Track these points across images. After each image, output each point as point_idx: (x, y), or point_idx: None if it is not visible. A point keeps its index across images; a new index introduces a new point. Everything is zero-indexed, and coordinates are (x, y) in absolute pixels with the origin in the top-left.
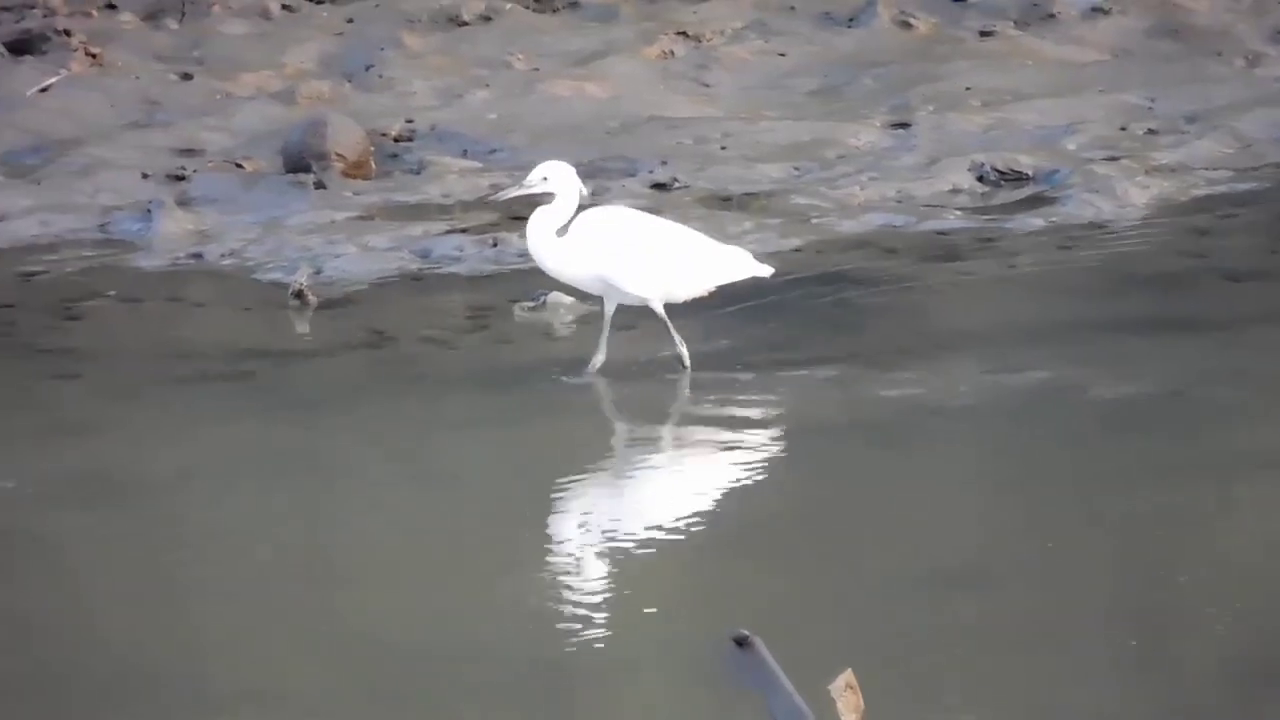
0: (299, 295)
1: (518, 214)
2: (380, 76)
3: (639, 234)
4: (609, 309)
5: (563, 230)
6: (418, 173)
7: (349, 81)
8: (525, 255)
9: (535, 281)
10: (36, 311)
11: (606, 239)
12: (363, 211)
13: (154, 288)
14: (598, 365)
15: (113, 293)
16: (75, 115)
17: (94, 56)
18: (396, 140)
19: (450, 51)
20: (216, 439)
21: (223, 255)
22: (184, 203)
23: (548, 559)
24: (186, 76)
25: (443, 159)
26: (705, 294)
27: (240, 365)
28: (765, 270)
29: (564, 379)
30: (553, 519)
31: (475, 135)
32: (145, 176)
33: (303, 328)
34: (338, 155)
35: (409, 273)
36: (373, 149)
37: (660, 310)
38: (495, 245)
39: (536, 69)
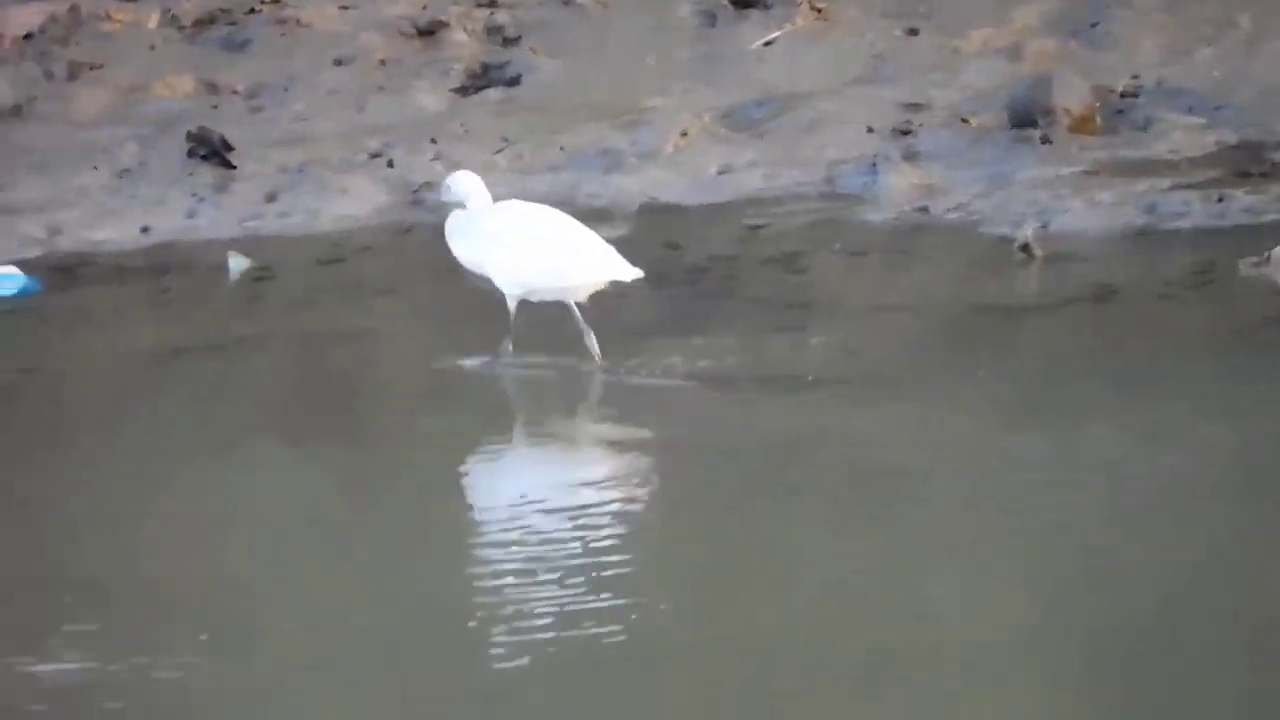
0: (1025, 249)
1: (1244, 170)
2: (1107, 34)
3: (507, 228)
4: (509, 305)
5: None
6: (1144, 129)
7: (1074, 38)
8: (1251, 211)
9: (1263, 238)
10: (761, 263)
11: (481, 233)
12: (1089, 167)
13: (879, 241)
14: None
15: (837, 246)
16: (799, 70)
17: (819, 11)
18: (1122, 96)
19: (1175, 10)
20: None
21: (948, 210)
22: (910, 157)
23: None
24: (912, 32)
25: (1168, 116)
26: (580, 297)
27: (972, 319)
28: (634, 273)
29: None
30: None
31: (1201, 92)
32: (870, 131)
33: (1029, 282)
34: (1064, 111)
35: (1134, 228)
36: (1098, 105)
37: (511, 306)
38: (1220, 201)
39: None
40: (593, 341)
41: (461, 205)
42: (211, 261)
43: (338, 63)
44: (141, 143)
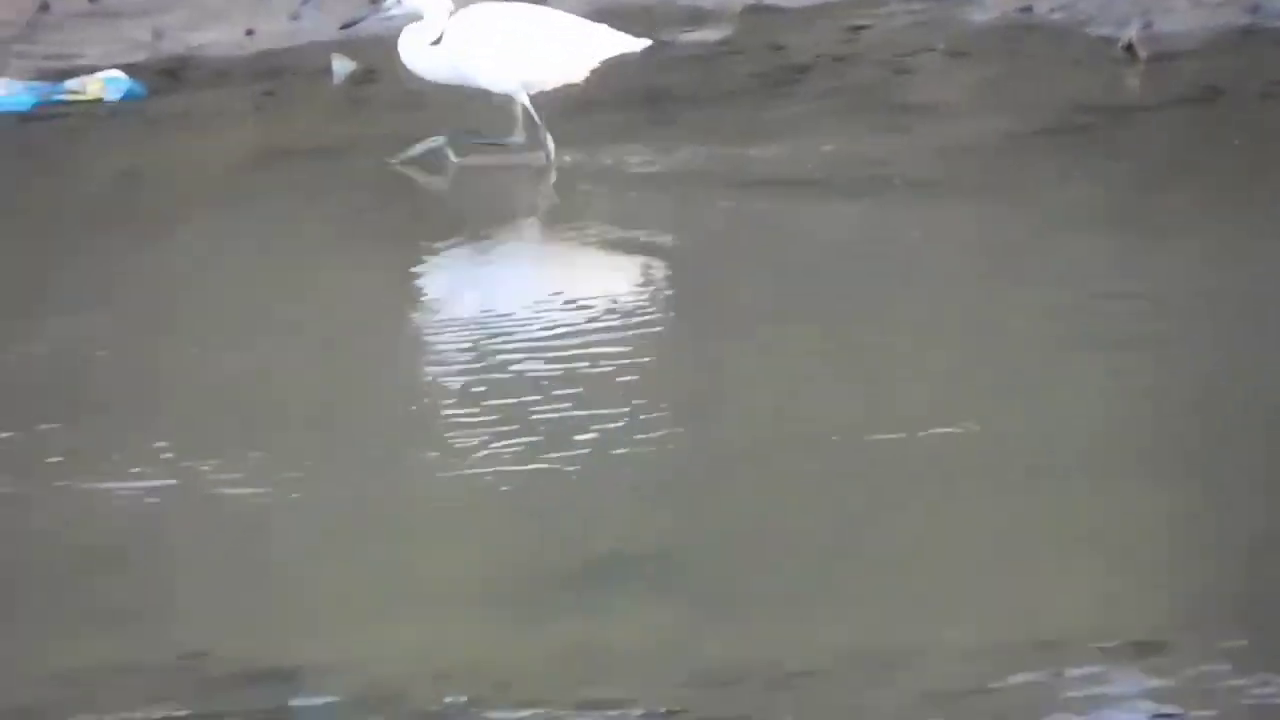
0: (1129, 49)
1: None
2: None
3: (495, 27)
4: (521, 101)
5: (438, 40)
6: None
7: None
8: None
9: None
10: (866, 65)
11: (465, 38)
12: None
13: (982, 41)
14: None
15: (941, 46)
16: None
17: None
18: None
19: None
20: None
21: (1052, 10)
22: None
23: None
24: None
25: None
26: (580, 78)
27: (1075, 119)
28: (640, 43)
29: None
30: None
31: None
32: None
33: (1132, 82)
34: None
35: (1238, 27)
36: None
37: (525, 100)
38: None
39: None
40: (549, 142)
41: (417, 17)
42: (316, 65)
43: None
44: None
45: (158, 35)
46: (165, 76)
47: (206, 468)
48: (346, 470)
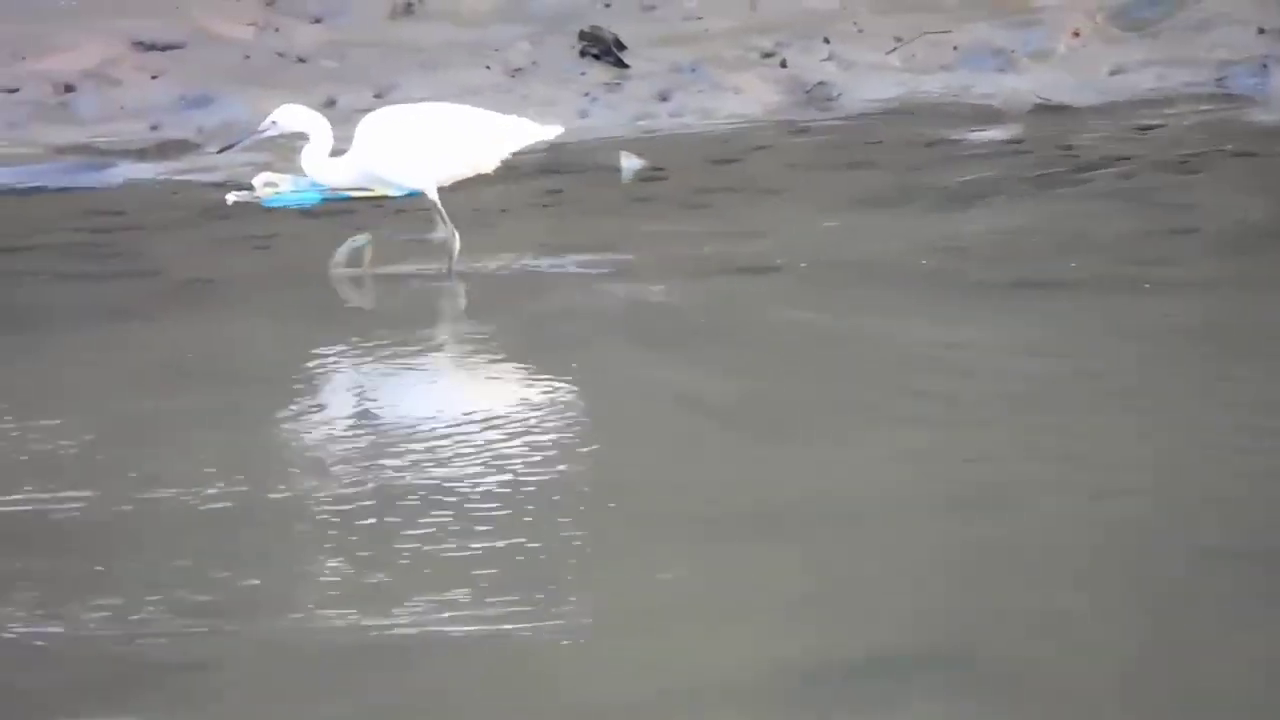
0: None
1: None
2: None
3: (402, 127)
4: (431, 197)
5: (338, 150)
6: None
7: None
8: None
9: None
10: (1153, 165)
11: (371, 141)
12: None
13: (1269, 142)
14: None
15: (1229, 147)
16: None
17: None
18: None
19: None
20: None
21: None
22: None
23: None
24: None
25: None
26: (495, 166)
27: None
28: (552, 131)
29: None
30: None
31: None
32: (1261, 32)
33: None
34: None
35: None
36: None
37: (433, 195)
38: None
39: None
40: (455, 243)
41: (301, 137)
42: (603, 161)
43: None
44: (533, 41)
45: None
46: None
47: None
48: None
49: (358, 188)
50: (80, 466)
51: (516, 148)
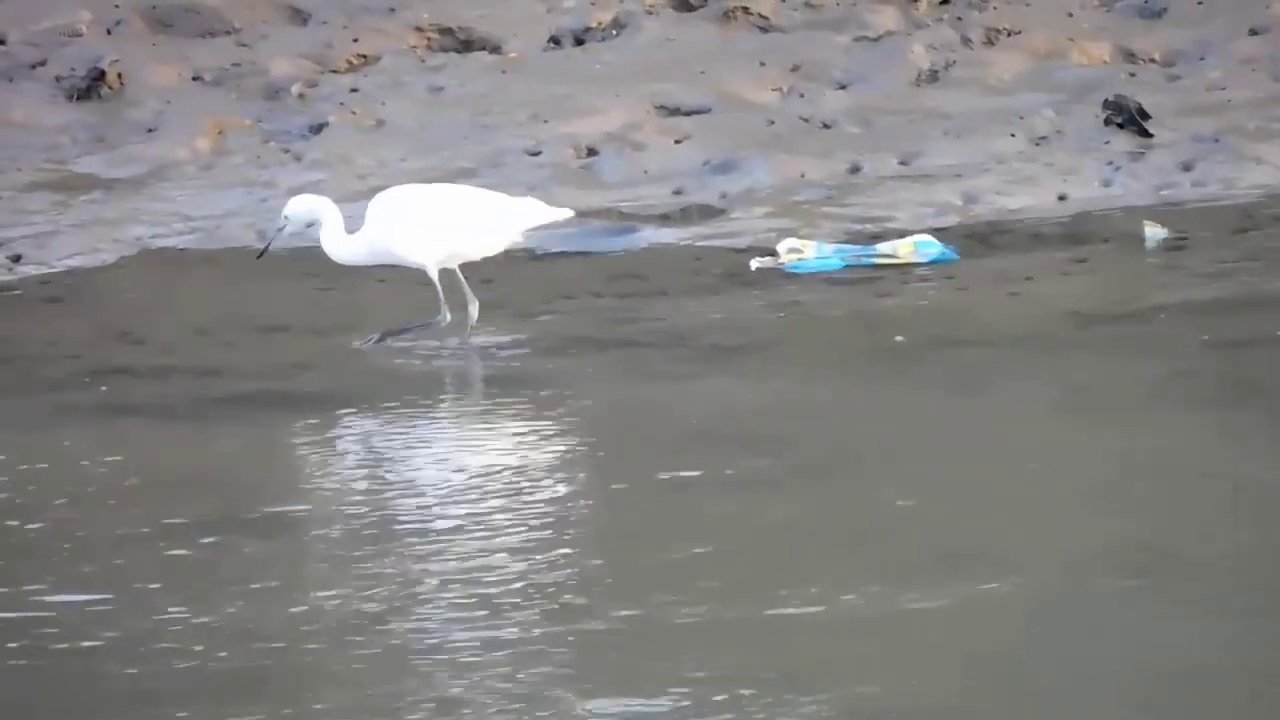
0: None
1: None
2: None
3: (410, 206)
4: (431, 276)
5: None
6: None
7: None
8: None
9: None
10: None
11: (381, 220)
12: None
13: None
14: (457, 319)
15: None
16: None
17: None
18: None
19: None
20: None
21: None
22: None
23: None
24: None
25: None
26: (505, 246)
27: None
28: (563, 213)
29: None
30: None
31: None
32: None
33: None
34: None
35: None
36: None
37: (433, 274)
38: None
39: None
40: (474, 311)
41: (313, 226)
42: (1126, 230)
43: (1252, 32)
44: (1058, 109)
45: (969, 199)
46: (974, 240)
47: None
48: None
49: (371, 264)
50: None
51: (526, 228)
